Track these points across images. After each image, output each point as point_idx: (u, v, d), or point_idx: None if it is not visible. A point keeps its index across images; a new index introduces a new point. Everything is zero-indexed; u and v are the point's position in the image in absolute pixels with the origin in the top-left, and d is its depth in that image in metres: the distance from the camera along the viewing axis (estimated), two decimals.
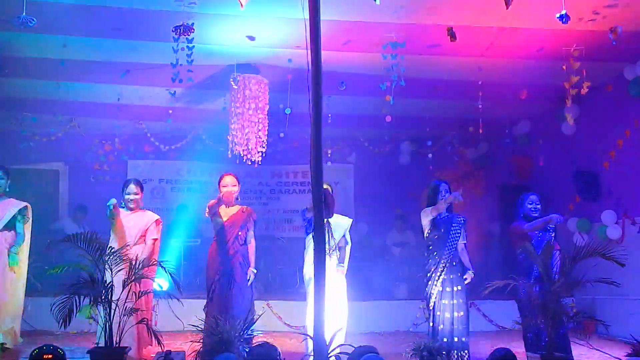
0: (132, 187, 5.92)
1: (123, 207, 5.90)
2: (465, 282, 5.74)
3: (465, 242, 5.89)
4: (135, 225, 5.84)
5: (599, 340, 7.21)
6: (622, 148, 7.90)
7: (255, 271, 5.91)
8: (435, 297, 5.70)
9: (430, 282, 5.74)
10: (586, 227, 8.41)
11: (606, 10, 5.95)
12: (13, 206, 6.32)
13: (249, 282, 5.83)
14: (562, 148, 9.19)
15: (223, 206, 5.96)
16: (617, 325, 7.20)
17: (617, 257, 5.16)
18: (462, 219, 5.89)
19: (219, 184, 6.01)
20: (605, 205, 8.09)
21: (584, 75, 6.65)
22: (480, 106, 7.99)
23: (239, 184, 6.01)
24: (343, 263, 5.96)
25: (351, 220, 6.16)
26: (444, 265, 5.72)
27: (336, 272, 5.83)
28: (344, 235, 6.00)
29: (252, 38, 6.71)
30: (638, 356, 5.00)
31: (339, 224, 5.97)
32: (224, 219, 5.91)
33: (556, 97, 7.76)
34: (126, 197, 5.89)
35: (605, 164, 8.22)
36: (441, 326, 5.66)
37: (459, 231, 5.82)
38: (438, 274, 5.71)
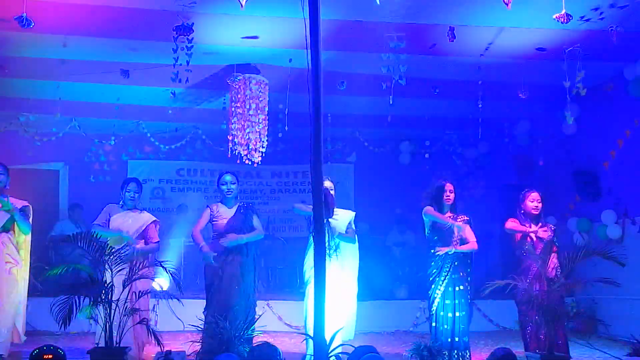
0: (134, 186, 5.93)
1: (121, 207, 5.91)
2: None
3: (474, 240, 5.82)
4: (132, 226, 5.83)
5: (599, 340, 7.21)
6: (622, 148, 7.91)
7: (240, 238, 5.74)
8: (440, 297, 5.69)
9: (434, 284, 5.72)
10: (586, 227, 8.41)
11: (606, 10, 5.95)
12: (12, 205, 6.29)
13: (226, 243, 5.70)
14: (562, 148, 9.19)
15: (224, 207, 5.96)
16: (617, 325, 7.20)
17: (617, 257, 5.16)
18: (466, 219, 5.85)
19: (217, 183, 6.02)
20: (605, 205, 8.08)
21: (584, 75, 6.65)
22: (480, 106, 7.99)
23: (237, 182, 6.03)
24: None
25: (354, 213, 6.03)
26: (449, 266, 5.69)
27: (341, 271, 5.74)
28: (349, 228, 5.90)
29: (252, 38, 6.71)
30: (638, 356, 5.01)
31: (339, 223, 5.90)
32: (223, 220, 5.90)
33: (556, 97, 7.76)
34: (127, 195, 5.89)
35: (605, 163, 8.22)
36: (445, 326, 5.64)
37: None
38: (443, 275, 5.69)
